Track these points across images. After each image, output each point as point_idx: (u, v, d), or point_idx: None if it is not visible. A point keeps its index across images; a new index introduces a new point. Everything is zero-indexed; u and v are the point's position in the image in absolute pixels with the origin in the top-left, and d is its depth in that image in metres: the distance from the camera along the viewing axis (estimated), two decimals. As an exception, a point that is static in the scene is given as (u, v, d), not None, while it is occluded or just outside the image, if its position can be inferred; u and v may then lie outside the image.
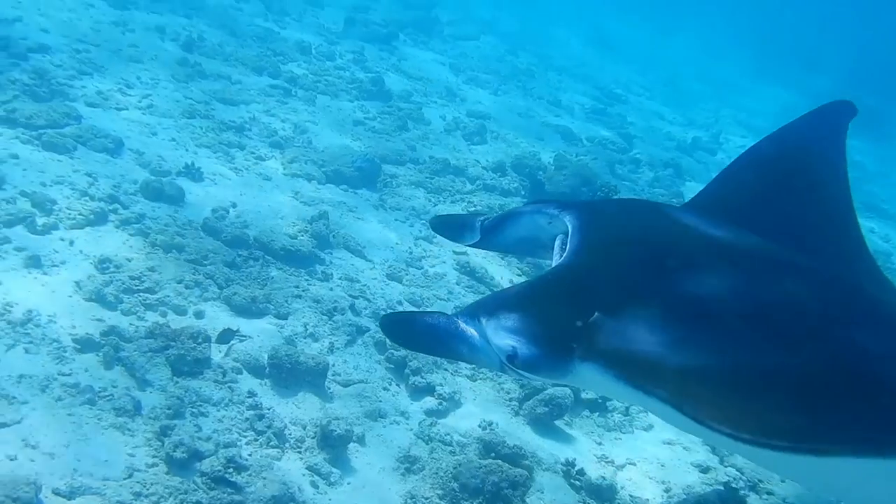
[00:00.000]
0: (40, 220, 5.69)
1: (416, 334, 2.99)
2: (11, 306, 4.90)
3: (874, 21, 29.44)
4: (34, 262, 5.33)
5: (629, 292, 2.79)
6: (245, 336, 5.35)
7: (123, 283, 5.40)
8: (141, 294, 5.41)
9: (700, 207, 3.73)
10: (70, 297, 5.21)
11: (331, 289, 6.20)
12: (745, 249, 3.15)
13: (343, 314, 5.90)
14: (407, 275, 6.74)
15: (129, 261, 5.65)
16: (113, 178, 6.54)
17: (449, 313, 2.92)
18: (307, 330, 5.66)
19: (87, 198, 6.14)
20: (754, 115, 18.57)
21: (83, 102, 7.55)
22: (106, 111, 7.58)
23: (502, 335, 2.77)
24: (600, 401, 5.84)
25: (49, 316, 4.94)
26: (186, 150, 7.47)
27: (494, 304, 2.90)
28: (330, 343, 5.62)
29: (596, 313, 2.68)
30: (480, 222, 3.71)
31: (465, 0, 18.34)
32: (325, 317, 5.85)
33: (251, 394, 4.89)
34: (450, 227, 3.93)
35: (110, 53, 8.83)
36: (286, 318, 5.70)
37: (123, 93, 8.09)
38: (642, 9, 25.09)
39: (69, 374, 4.56)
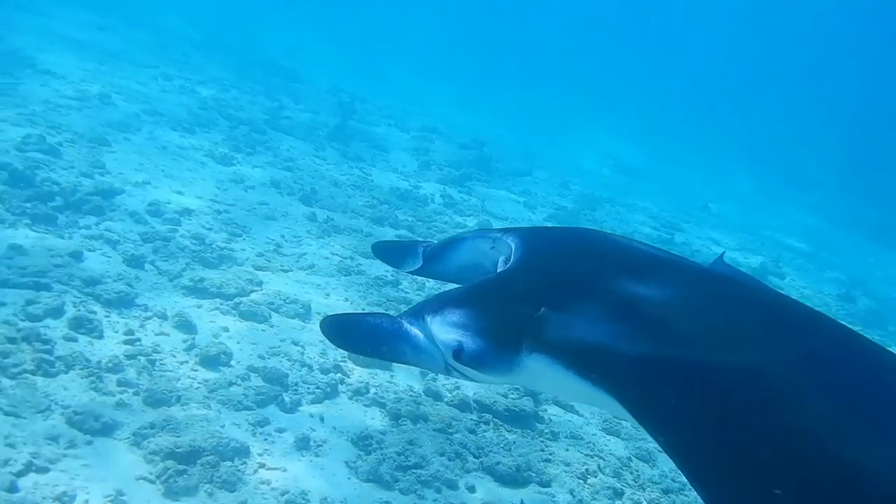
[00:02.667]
0: (287, 398, 5.47)
1: (358, 336, 2.92)
2: (308, 497, 4.63)
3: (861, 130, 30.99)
4: (303, 444, 5.08)
5: (573, 291, 2.81)
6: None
7: (394, 461, 5.16)
8: (412, 471, 5.16)
9: None
10: (349, 479, 4.95)
11: (567, 449, 6.00)
12: (682, 263, 3.28)
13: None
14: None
15: (384, 434, 5.41)
16: (316, 345, 6.36)
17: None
18: (575, 497, 5.43)
19: (307, 369, 5.95)
20: (789, 235, 19.04)
21: (251, 266, 7.41)
22: (275, 274, 7.45)
23: (447, 330, 2.73)
24: None
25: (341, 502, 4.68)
26: (363, 311, 7.32)
27: (439, 301, 2.87)
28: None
29: (542, 308, 2.69)
30: (423, 249, 3.72)
31: (498, 137, 18.81)
32: (582, 481, 5.63)
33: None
34: (391, 254, 3.93)
35: (246, 213, 8.77)
36: (549, 486, 5.47)
37: (279, 253, 7.98)
38: (640, 137, 26.02)
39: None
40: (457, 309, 2.79)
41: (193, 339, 5.85)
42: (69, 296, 5.87)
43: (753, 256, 15.55)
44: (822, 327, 2.92)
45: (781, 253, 16.72)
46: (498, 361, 2.68)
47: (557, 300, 2.75)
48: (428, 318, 2.81)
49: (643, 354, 2.52)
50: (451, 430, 5.71)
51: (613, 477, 5.87)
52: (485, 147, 16.31)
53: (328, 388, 5.76)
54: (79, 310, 5.72)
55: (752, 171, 25.76)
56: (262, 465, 4.81)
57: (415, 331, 2.84)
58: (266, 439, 5.06)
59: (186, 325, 5.99)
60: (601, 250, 3.32)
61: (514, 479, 5.42)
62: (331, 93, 18.42)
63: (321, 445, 5.17)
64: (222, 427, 4.99)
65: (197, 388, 5.30)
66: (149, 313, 6.00)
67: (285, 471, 4.84)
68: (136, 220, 7.58)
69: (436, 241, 3.82)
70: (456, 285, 3.27)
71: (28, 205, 7.06)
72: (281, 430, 5.20)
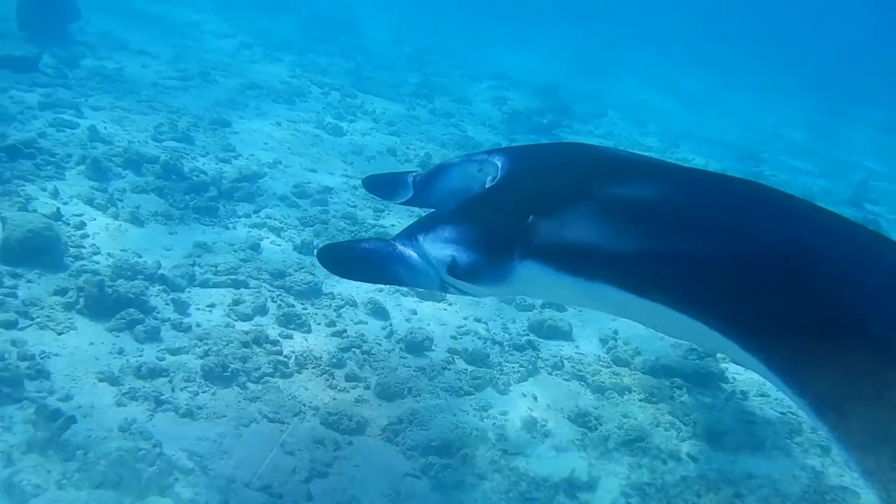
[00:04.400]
0: (499, 379, 5.60)
1: (354, 262, 2.98)
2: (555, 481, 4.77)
3: None
4: (531, 426, 5.22)
5: (560, 198, 2.85)
6: None
7: (618, 436, 5.28)
8: (636, 444, 5.29)
9: None
10: (582, 457, 5.08)
11: (761, 408, 6.10)
12: (668, 166, 3.34)
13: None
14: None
15: (597, 409, 5.54)
16: (495, 320, 6.46)
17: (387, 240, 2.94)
18: (791, 457, 5.53)
19: (499, 346, 6.07)
20: (865, 156, 18.77)
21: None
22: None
23: (441, 246, 2.80)
24: None
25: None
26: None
27: (430, 220, 2.94)
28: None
29: (530, 217, 2.74)
30: (412, 178, 3.77)
31: (562, 78, 18.58)
32: (789, 440, 5.73)
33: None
34: (381, 186, 4.03)
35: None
36: (761, 449, 5.58)
37: (425, 226, 8.03)
38: (694, 67, 25.53)
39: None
40: (448, 225, 2.86)
41: (391, 325, 5.96)
42: (265, 290, 5.98)
43: (840, 181, 15.37)
44: (805, 213, 2.99)
45: (864, 176, 16.51)
46: (492, 271, 2.76)
47: (544, 208, 2.81)
48: (420, 238, 2.88)
49: (631, 251, 2.60)
50: (655, 400, 5.82)
51: (813, 432, 5.95)
52: (558, 91, 16.14)
53: (529, 366, 5.84)
54: (280, 305, 5.83)
55: (812, 93, 25.23)
56: (504, 451, 4.94)
57: (409, 252, 2.90)
58: (495, 423, 5.19)
59: (380, 312, 6.10)
60: (585, 160, 3.40)
61: (727, 443, 5.52)
62: (396, 45, 18.29)
63: (545, 425, 5.29)
64: (454, 416, 5.13)
65: (417, 377, 5.42)
66: (339, 301, 6.11)
67: (526, 456, 4.97)
68: (289, 203, 7.66)
69: (424, 172, 3.84)
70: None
71: (188, 197, 7.15)
72: (505, 413, 5.32)
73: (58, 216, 6.14)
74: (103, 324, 5.07)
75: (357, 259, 2.98)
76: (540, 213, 2.78)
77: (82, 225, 6.20)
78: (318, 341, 5.55)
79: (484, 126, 13.02)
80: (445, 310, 6.43)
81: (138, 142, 8.18)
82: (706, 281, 2.49)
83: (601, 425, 5.41)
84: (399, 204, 4.03)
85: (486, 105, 14.54)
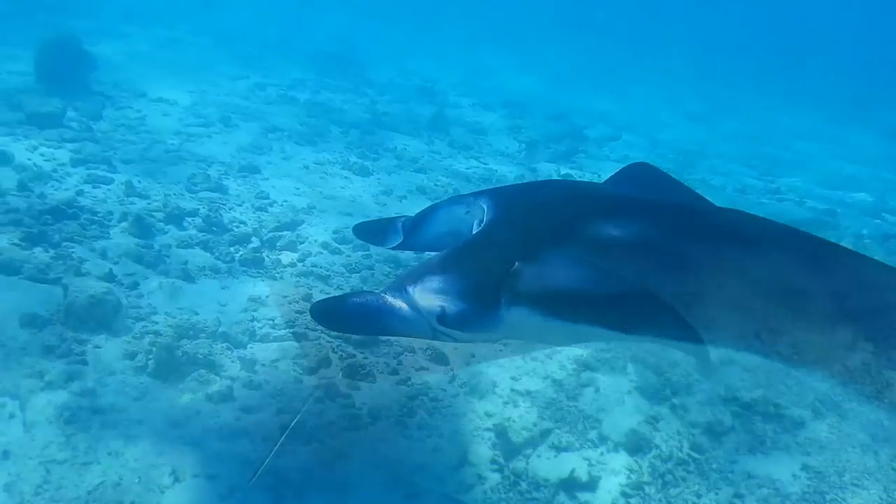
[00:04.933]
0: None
1: (347, 316, 3.04)
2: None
3: None
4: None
5: (542, 242, 2.98)
6: None
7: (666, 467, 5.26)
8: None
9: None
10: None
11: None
12: (641, 201, 3.50)
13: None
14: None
15: (659, 441, 5.52)
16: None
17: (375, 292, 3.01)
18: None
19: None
20: (880, 168, 18.83)
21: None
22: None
23: (430, 297, 2.87)
24: None
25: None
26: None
27: (418, 272, 3.02)
28: None
29: (515, 263, 2.84)
30: (402, 224, 3.83)
31: (569, 101, 18.71)
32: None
33: None
34: (372, 233, 4.08)
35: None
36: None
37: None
38: (697, 83, 25.70)
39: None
40: (436, 276, 2.92)
41: (451, 370, 5.95)
42: (324, 341, 5.97)
43: (859, 193, 15.42)
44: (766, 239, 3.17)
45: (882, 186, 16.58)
46: (481, 319, 2.82)
47: (529, 253, 2.92)
48: (409, 289, 2.94)
49: (609, 288, 2.79)
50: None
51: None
52: (572, 117, 16.25)
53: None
54: (341, 356, 5.83)
55: (815, 105, 25.35)
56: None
57: (399, 303, 2.94)
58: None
59: (439, 357, 6.09)
60: (566, 199, 3.51)
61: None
62: (403, 76, 18.41)
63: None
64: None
65: (483, 421, 5.40)
66: (398, 348, 6.10)
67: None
68: (331, 251, 7.68)
69: (412, 216, 3.92)
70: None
71: (232, 249, 7.16)
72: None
73: (111, 277, 6.12)
74: (175, 385, 5.05)
75: (349, 313, 3.03)
76: (524, 259, 2.87)
77: (136, 285, 6.20)
78: (384, 390, 5.53)
79: (503, 156, 13.07)
80: (501, 350, 6.41)
81: (174, 194, 8.19)
82: (673, 311, 2.72)
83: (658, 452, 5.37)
84: (390, 249, 4.09)
85: (501, 135, 14.61)
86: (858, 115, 23.96)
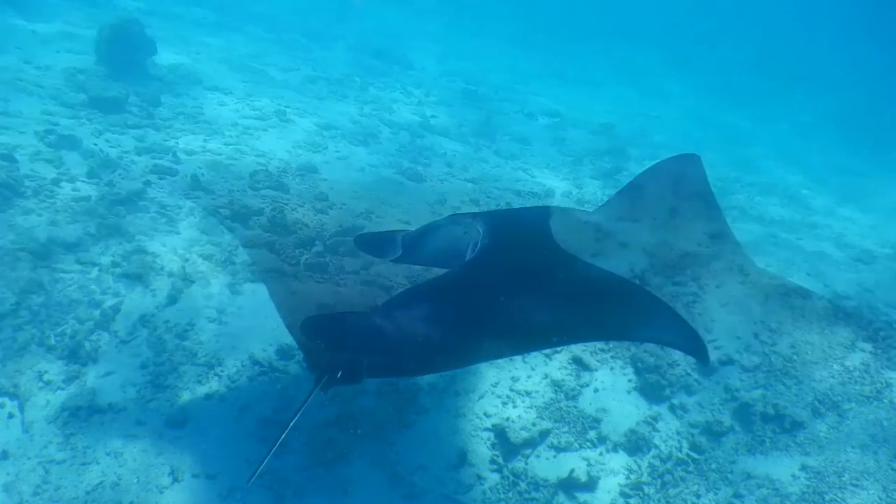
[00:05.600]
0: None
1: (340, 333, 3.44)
2: None
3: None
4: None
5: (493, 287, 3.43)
6: None
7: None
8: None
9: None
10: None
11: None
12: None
13: None
14: None
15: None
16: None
17: None
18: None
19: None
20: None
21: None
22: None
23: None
24: None
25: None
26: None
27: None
28: None
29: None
30: (402, 238, 3.90)
31: (605, 112, 18.67)
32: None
33: None
34: (372, 245, 4.17)
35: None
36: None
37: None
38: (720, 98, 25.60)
39: None
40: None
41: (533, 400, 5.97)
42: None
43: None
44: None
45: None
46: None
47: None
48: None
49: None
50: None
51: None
52: (614, 130, 16.25)
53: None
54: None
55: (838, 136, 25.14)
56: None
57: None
58: None
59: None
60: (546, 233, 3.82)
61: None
62: (445, 76, 18.42)
63: None
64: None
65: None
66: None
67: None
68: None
69: (413, 231, 4.03)
70: (437, 269, 3.86)
71: (297, 252, 7.19)
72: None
73: (184, 275, 6.17)
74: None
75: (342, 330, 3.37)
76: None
77: (207, 284, 6.23)
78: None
79: (548, 169, 13.07)
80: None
81: (238, 190, 8.23)
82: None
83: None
84: (389, 262, 4.18)
85: (545, 146, 14.59)
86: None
